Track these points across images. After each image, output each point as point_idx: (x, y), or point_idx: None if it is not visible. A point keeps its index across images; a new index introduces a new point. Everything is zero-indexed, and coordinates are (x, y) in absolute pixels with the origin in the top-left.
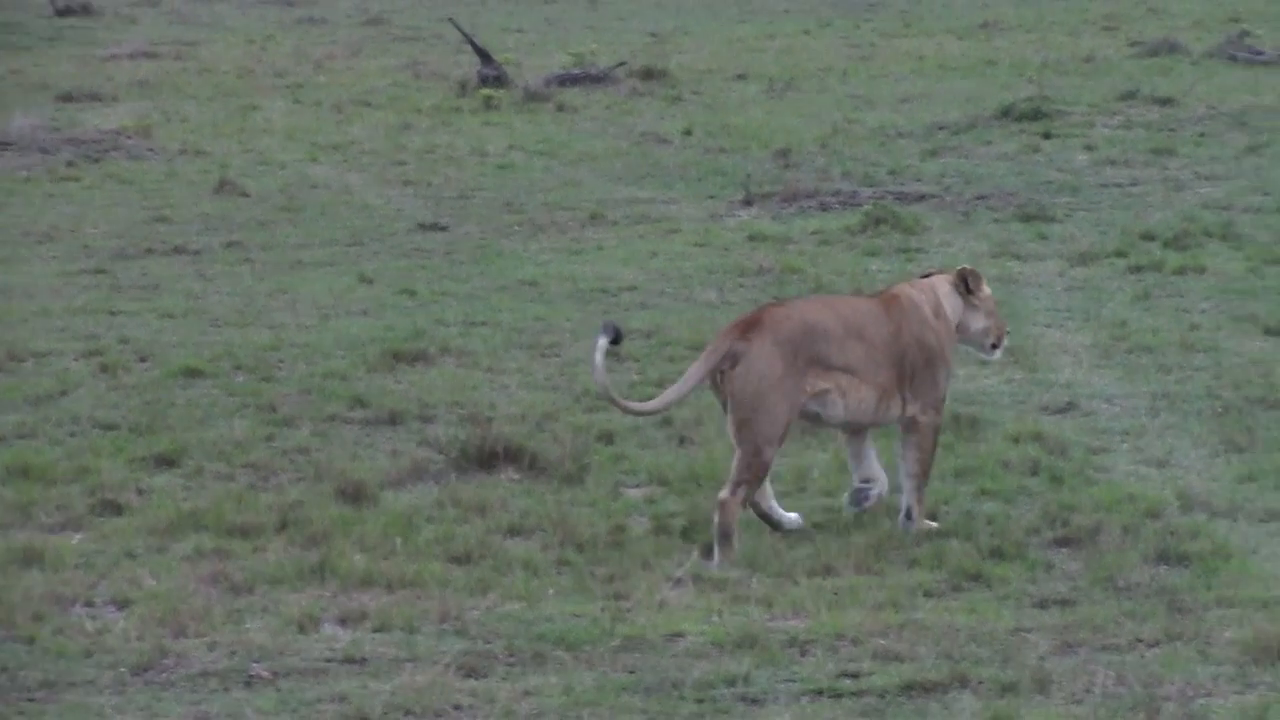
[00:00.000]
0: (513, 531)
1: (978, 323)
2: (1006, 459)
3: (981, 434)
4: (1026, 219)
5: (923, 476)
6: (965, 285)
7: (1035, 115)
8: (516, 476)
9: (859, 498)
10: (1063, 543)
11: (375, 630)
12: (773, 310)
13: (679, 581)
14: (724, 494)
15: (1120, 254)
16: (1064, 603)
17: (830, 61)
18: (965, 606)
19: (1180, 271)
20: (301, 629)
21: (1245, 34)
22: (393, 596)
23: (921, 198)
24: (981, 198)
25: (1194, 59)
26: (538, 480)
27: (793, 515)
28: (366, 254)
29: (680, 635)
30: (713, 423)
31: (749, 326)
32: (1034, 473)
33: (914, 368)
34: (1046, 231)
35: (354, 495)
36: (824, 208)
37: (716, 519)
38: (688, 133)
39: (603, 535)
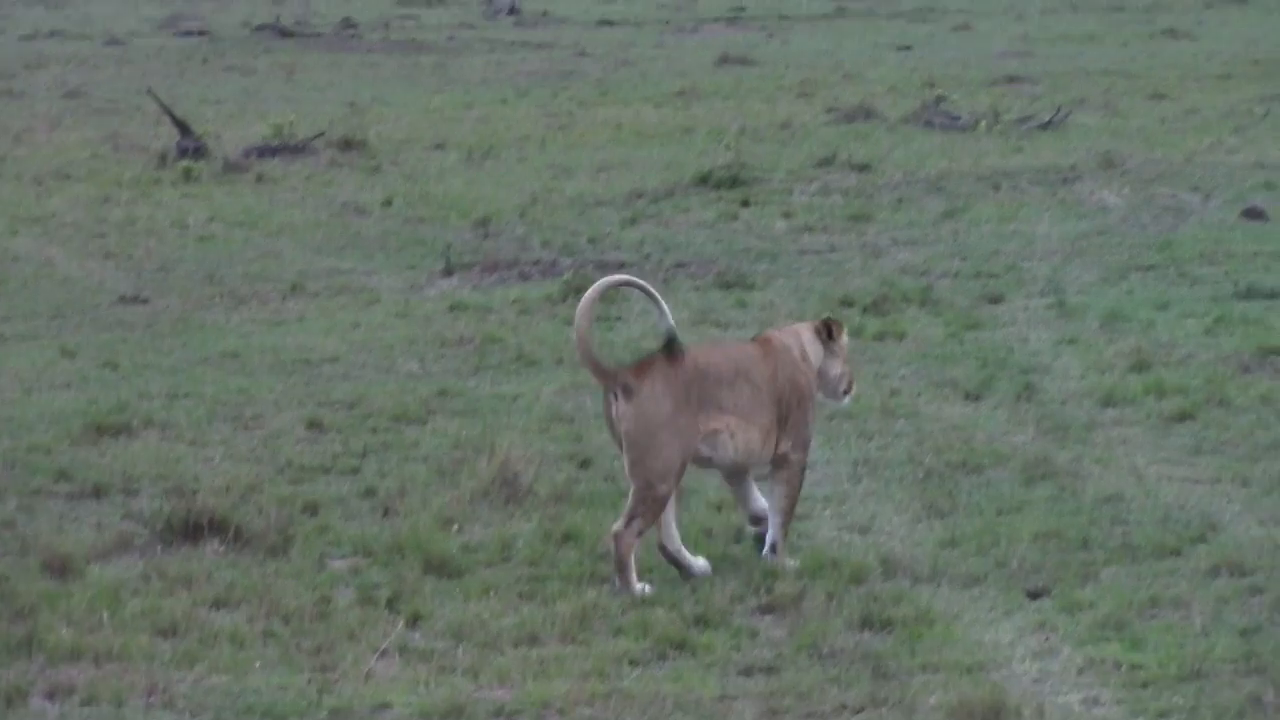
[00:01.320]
0: (218, 604)
1: (835, 369)
2: (709, 527)
3: (686, 501)
4: (726, 286)
5: (789, 513)
6: (828, 332)
7: (733, 182)
8: (221, 548)
9: (761, 539)
10: (767, 609)
11: (83, 704)
12: (666, 355)
13: (385, 653)
14: (617, 526)
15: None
16: (769, 670)
17: (528, 130)
18: (671, 675)
19: (880, 337)
20: (9, 703)
21: (941, 100)
22: (100, 670)
23: (621, 265)
24: (681, 265)
25: (890, 125)
26: (243, 552)
27: (701, 561)
28: (69, 327)
29: (387, 707)
30: (417, 493)
31: (644, 366)
32: (737, 540)
33: (788, 408)
34: (746, 299)
35: (60, 568)
36: (524, 277)
37: (612, 550)
38: (387, 203)
39: (308, 607)
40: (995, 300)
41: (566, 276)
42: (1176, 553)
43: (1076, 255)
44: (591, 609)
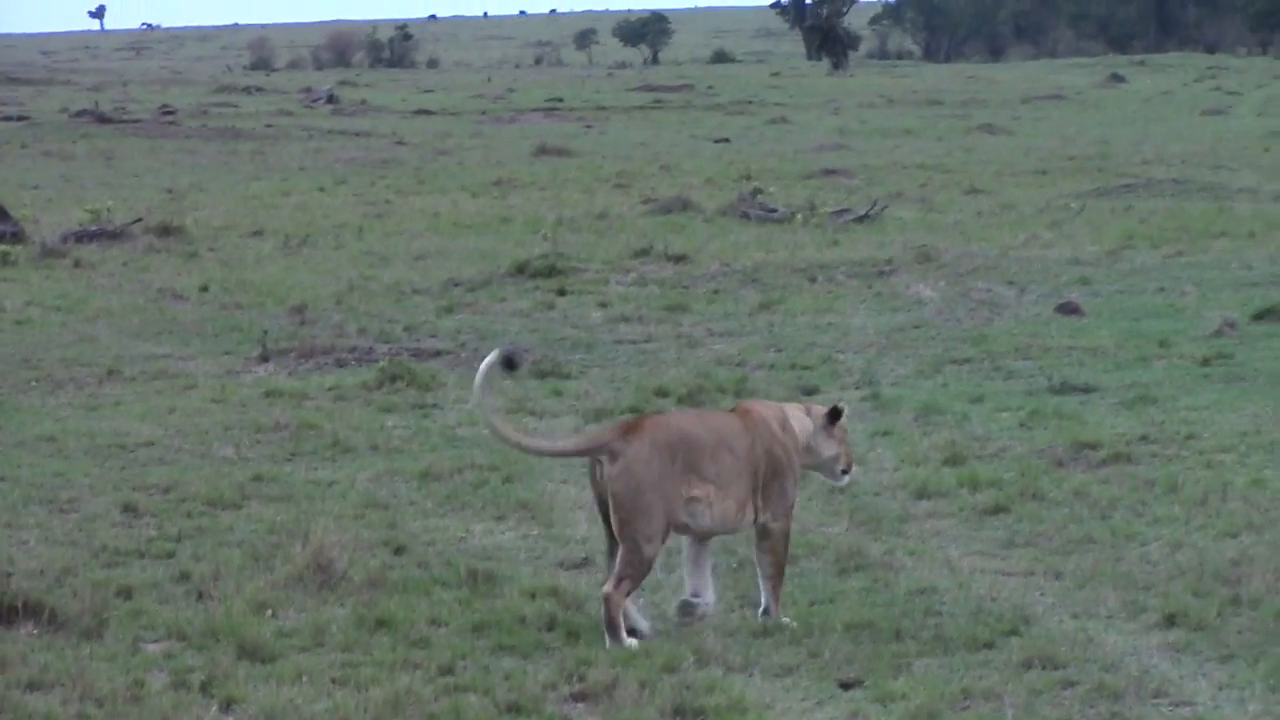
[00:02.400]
0: (32, 686)
1: (831, 450)
2: (523, 614)
3: (498, 589)
4: (542, 375)
5: (778, 577)
6: (833, 418)
7: (550, 272)
8: (35, 631)
9: (686, 609)
10: (580, 697)
11: None
12: (653, 417)
13: None
14: (607, 588)
15: (635, 410)
16: None
17: (346, 218)
18: None
19: None
20: None
21: (757, 191)
22: None
23: (437, 354)
24: None
25: (707, 216)
26: (57, 635)
27: (645, 624)
28: None
29: None
30: (231, 578)
31: (630, 428)
32: (550, 628)
33: (765, 478)
34: (562, 388)
35: None
36: (340, 364)
37: (603, 612)
38: (204, 289)
39: (122, 690)
40: (810, 392)
41: (382, 364)
42: (989, 645)
43: (892, 348)
44: (405, 695)
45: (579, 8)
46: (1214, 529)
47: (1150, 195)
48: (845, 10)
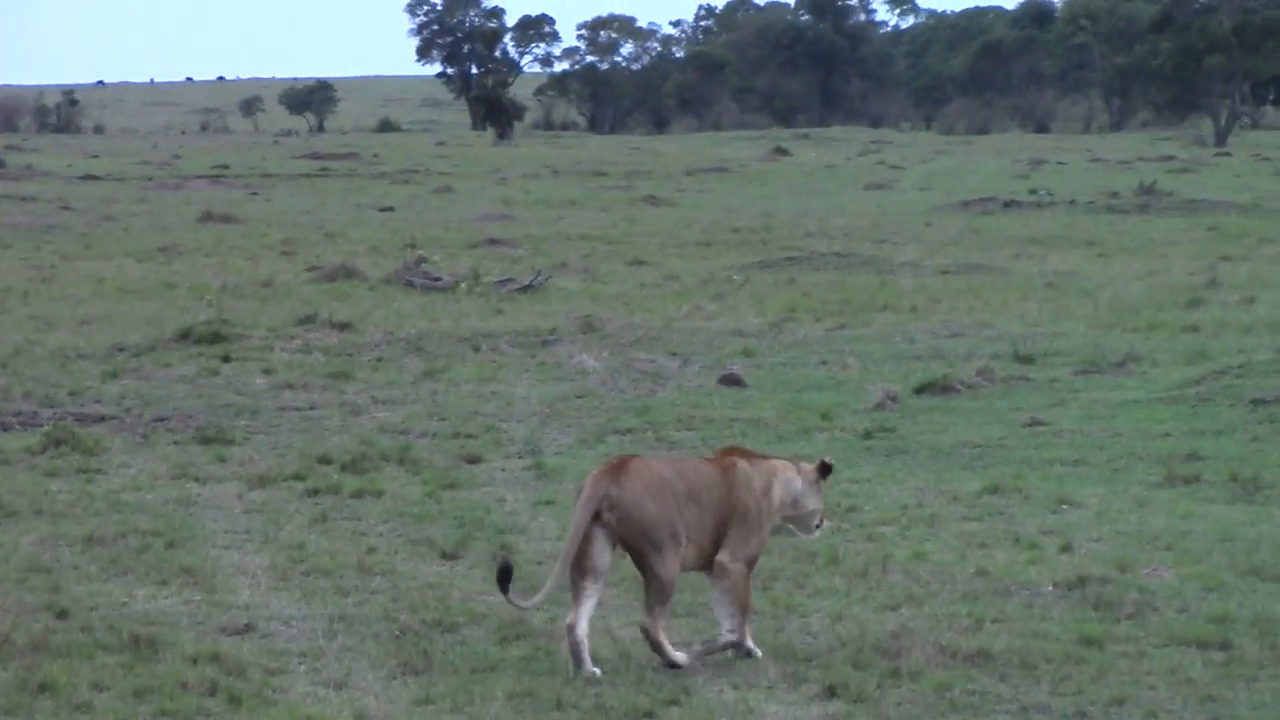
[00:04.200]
0: None
1: (814, 504)
2: (185, 680)
3: (160, 655)
4: (206, 441)
5: (739, 617)
6: (824, 473)
7: (214, 338)
8: None
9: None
10: None
11: None
12: (633, 460)
13: None
14: (644, 621)
15: (299, 477)
16: None
17: (10, 282)
18: None
19: (358, 495)
20: None
21: (422, 260)
22: None
23: (102, 419)
24: (161, 419)
25: (371, 285)
26: None
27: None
28: None
29: None
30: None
31: (617, 472)
32: (212, 693)
33: (732, 525)
34: (225, 454)
35: None
36: (4, 428)
37: (646, 640)
38: None
39: None
40: (474, 460)
41: (47, 428)
42: (650, 715)
43: (555, 417)
44: None
45: (246, 75)
46: (875, 601)
47: (813, 268)
48: (511, 81)
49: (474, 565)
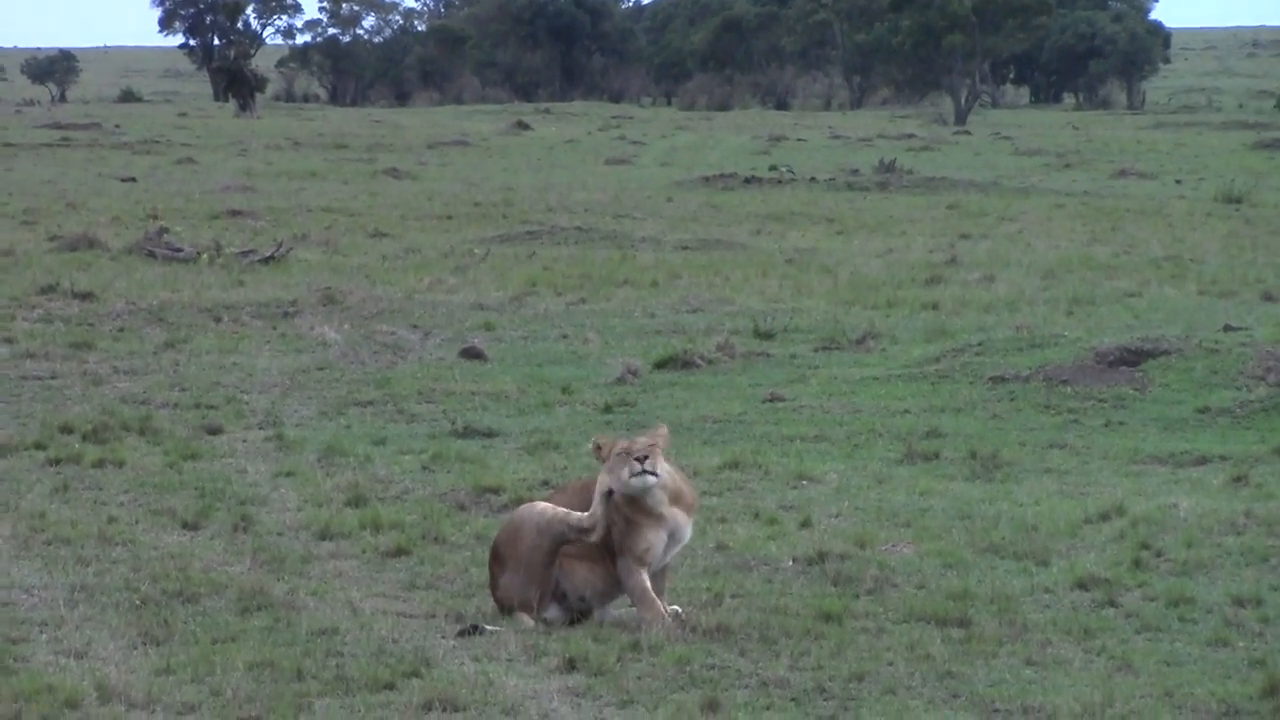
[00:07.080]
0: None
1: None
2: None
3: None
4: None
5: (642, 607)
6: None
7: None
8: None
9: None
10: None
11: None
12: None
13: None
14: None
15: (40, 446)
16: None
17: None
18: None
19: (99, 464)
20: None
21: (164, 231)
22: None
23: None
24: None
25: (113, 255)
26: None
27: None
28: None
29: None
30: None
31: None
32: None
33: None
34: None
35: None
36: None
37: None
38: None
39: None
40: (215, 431)
41: None
42: (390, 686)
43: (296, 389)
44: None
45: None
46: None
47: (554, 242)
48: (253, 53)
49: (214, 536)
